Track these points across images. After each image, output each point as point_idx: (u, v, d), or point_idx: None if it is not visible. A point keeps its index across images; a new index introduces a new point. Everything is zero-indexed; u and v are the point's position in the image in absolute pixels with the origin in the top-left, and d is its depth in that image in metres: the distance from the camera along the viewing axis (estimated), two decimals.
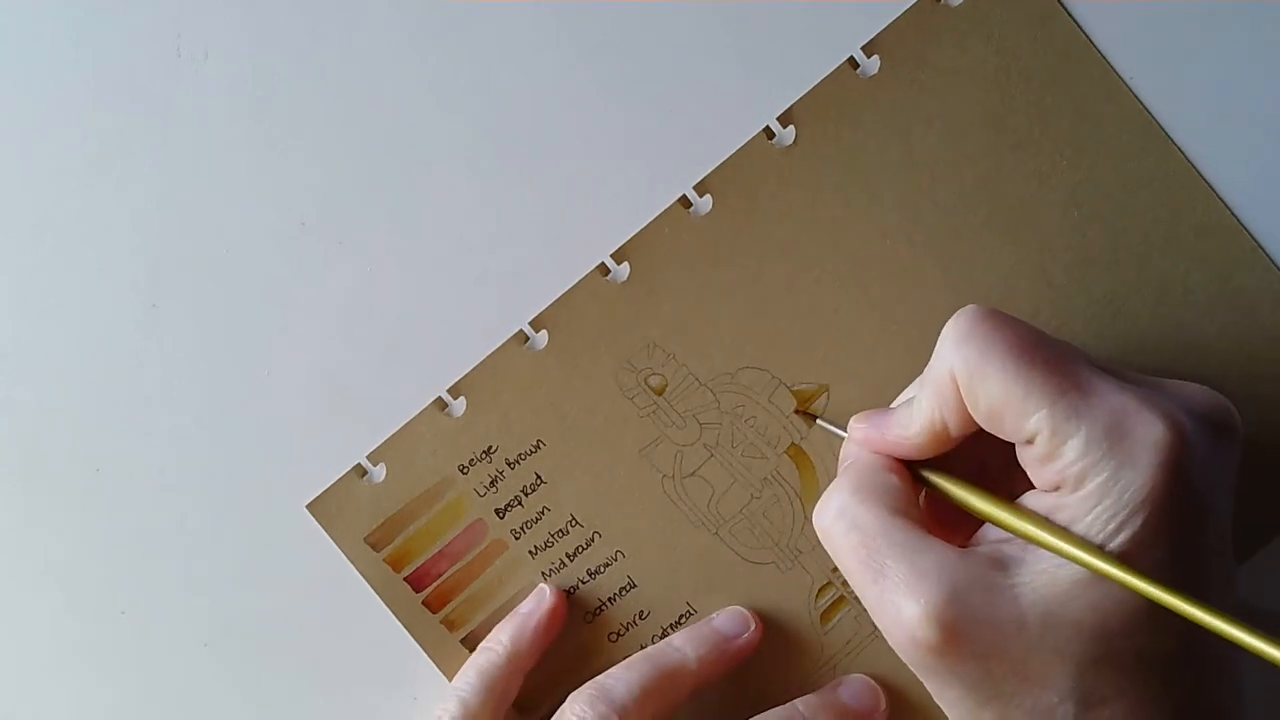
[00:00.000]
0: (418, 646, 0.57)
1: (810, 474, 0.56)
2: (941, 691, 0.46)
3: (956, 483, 0.48)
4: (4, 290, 0.57)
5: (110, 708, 0.58)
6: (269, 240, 0.57)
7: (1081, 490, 0.43)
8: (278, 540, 0.57)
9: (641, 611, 0.57)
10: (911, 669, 0.46)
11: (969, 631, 0.43)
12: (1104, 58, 0.55)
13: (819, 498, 0.51)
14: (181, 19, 0.56)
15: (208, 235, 0.57)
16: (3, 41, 0.57)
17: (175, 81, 0.57)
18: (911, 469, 0.50)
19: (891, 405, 0.51)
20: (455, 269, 0.57)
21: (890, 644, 0.46)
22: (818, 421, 0.55)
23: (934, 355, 0.47)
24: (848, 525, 0.47)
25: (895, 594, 0.45)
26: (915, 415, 0.48)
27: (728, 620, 0.56)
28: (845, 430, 0.52)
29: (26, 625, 0.58)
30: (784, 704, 0.54)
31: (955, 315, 0.46)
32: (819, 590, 0.56)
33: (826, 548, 0.48)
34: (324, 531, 0.56)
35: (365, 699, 0.57)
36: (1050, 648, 0.43)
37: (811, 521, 0.54)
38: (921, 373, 0.52)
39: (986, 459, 0.49)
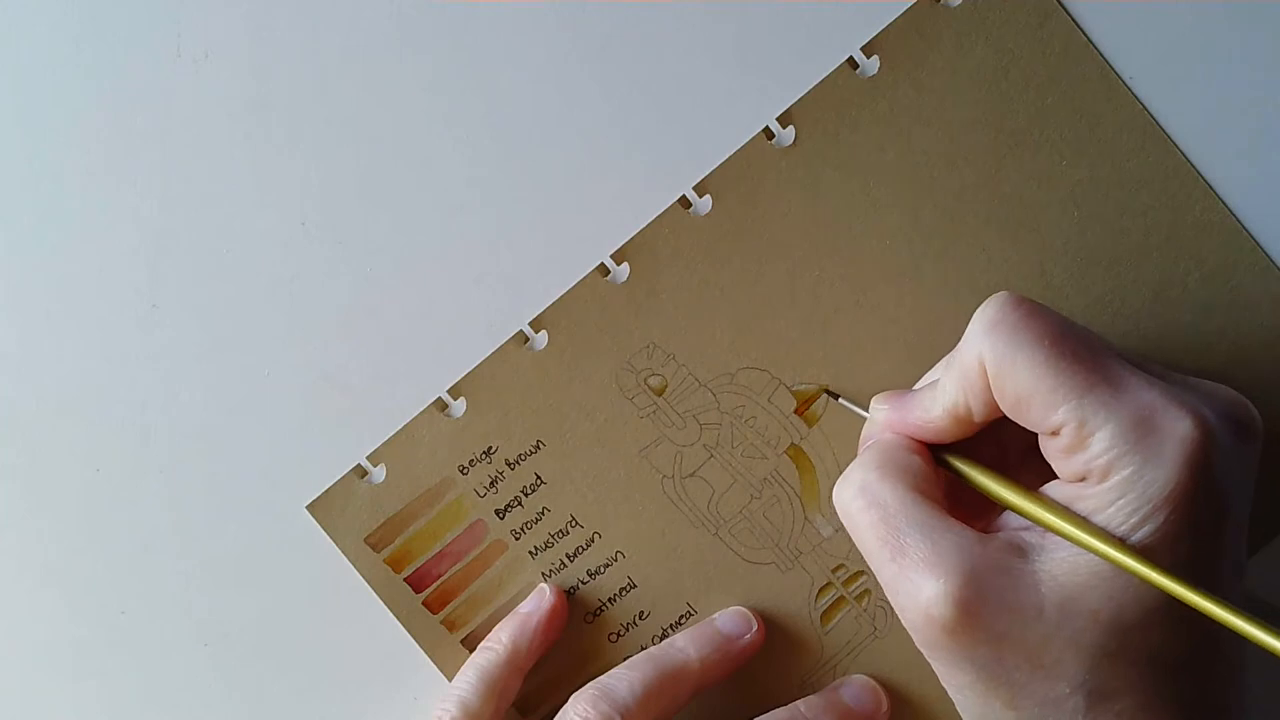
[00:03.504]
0: (418, 647, 0.57)
1: (810, 474, 0.56)
2: (951, 675, 0.46)
3: (977, 468, 0.48)
4: (4, 290, 0.57)
5: (110, 708, 0.58)
6: (269, 240, 0.57)
7: (1106, 483, 0.43)
8: (278, 540, 0.57)
9: (642, 612, 0.57)
10: (923, 651, 0.46)
11: (985, 613, 0.43)
12: (1104, 58, 0.55)
13: (819, 498, 0.52)
14: (181, 19, 0.56)
15: (208, 235, 0.57)
16: (3, 41, 0.57)
17: (175, 81, 0.57)
18: (933, 452, 0.49)
19: (915, 387, 0.51)
20: (455, 269, 0.57)
21: (904, 623, 0.46)
22: (839, 401, 0.55)
23: (962, 340, 0.46)
24: (868, 502, 0.47)
25: (914, 572, 0.45)
26: (939, 398, 0.48)
27: (730, 621, 0.56)
28: (866, 411, 0.52)
29: (26, 625, 0.58)
30: (785, 705, 0.54)
31: (986, 301, 0.46)
32: (819, 590, 0.56)
33: (845, 524, 0.48)
34: (324, 532, 0.56)
35: (365, 699, 0.57)
36: (1065, 637, 0.43)
37: (811, 521, 0.55)
38: (924, 372, 0.52)
39: (1007, 444, 0.49)
